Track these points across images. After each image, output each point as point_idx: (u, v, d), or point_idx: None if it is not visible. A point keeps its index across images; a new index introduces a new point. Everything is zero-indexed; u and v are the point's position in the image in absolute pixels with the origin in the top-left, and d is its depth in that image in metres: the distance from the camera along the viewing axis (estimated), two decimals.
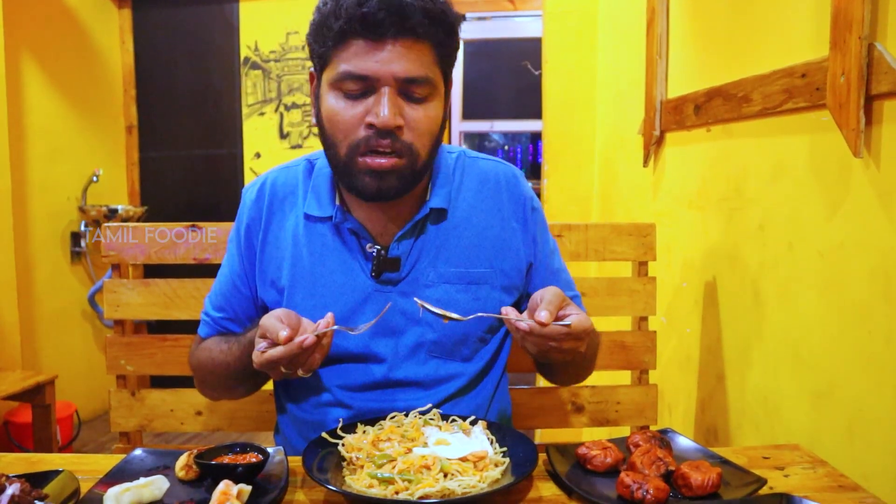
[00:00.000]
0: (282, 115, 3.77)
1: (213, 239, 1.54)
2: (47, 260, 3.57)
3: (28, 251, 3.44)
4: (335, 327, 0.94)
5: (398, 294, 1.12)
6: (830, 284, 1.20)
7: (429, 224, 1.14)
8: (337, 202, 1.14)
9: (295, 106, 3.73)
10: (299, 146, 3.74)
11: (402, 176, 1.03)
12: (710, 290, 1.66)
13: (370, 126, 0.99)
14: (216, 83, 3.89)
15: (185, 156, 3.99)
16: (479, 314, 1.03)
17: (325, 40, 1.01)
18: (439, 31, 1.01)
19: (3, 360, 3.04)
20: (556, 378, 1.31)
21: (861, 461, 1.11)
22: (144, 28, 3.98)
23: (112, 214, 3.63)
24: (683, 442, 1.01)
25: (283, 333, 0.91)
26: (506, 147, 5.48)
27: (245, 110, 3.83)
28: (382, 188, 1.02)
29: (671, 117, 1.87)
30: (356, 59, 0.99)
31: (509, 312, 0.96)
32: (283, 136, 3.77)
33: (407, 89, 1.00)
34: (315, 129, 3.70)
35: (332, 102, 1.02)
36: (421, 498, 0.81)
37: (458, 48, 1.08)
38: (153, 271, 1.66)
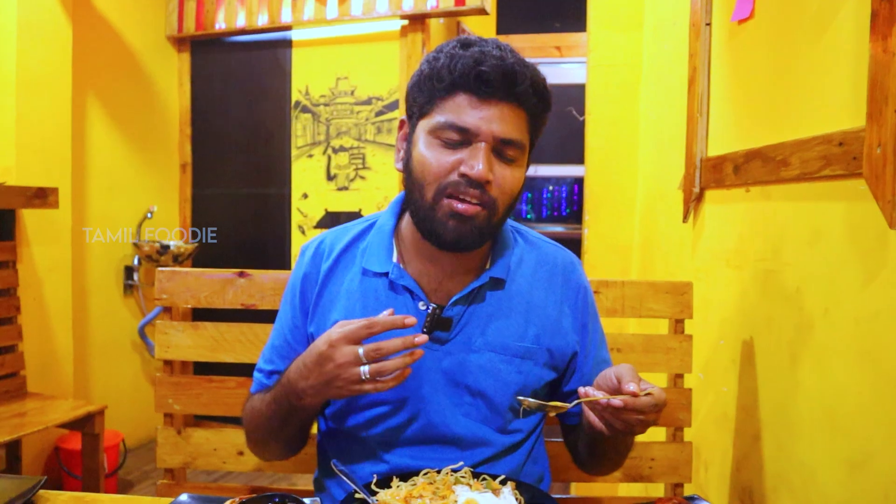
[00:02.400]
0: (329, 158, 3.87)
1: (261, 286, 1.61)
2: (102, 292, 3.71)
3: (84, 283, 3.58)
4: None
5: (444, 353, 1.15)
6: (866, 352, 1.20)
7: (486, 292, 1.17)
8: (395, 259, 1.18)
9: (342, 149, 3.83)
10: (345, 188, 3.83)
11: (480, 227, 1.08)
12: (746, 349, 1.66)
13: (463, 175, 1.05)
14: (267, 125, 4.02)
15: (236, 194, 4.12)
16: (578, 401, 1.01)
17: (431, 91, 1.08)
18: (538, 104, 1.09)
19: (57, 388, 3.15)
20: (604, 466, 1.33)
21: None
22: (201, 71, 4.16)
23: (164, 250, 3.75)
24: None
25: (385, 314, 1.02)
26: (551, 188, 5.51)
27: (294, 152, 3.94)
28: (462, 233, 1.07)
29: (711, 175, 1.88)
30: (461, 113, 1.05)
31: (595, 394, 0.98)
32: (330, 177, 3.87)
33: (500, 149, 1.07)
34: (361, 172, 3.79)
35: (426, 150, 1.08)
36: None
37: (545, 124, 1.15)
38: (201, 315, 1.73)
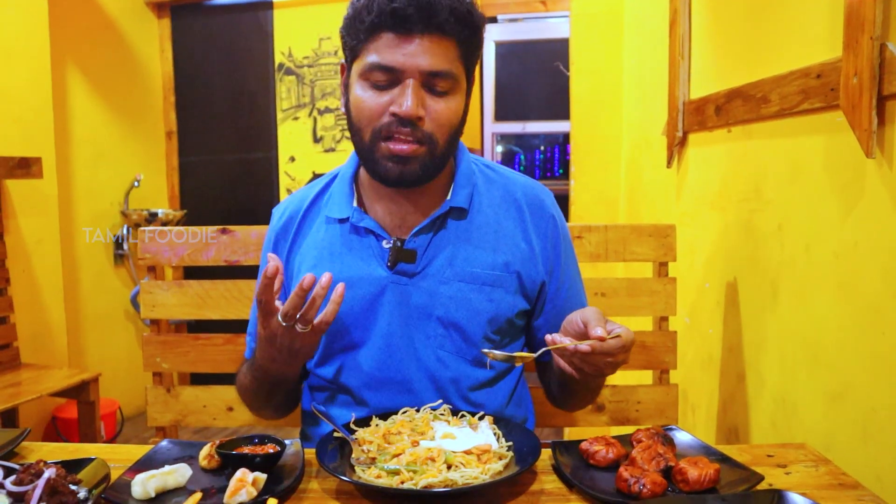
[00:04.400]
0: (315, 120, 3.85)
1: (244, 241, 1.61)
2: (92, 263, 3.70)
3: (74, 254, 3.57)
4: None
5: (413, 286, 1.15)
6: (845, 285, 1.20)
7: (449, 221, 1.17)
8: (354, 203, 1.19)
9: (328, 110, 3.80)
10: (332, 150, 3.81)
11: (422, 163, 1.08)
12: (731, 290, 1.67)
13: (393, 115, 1.05)
14: (252, 89, 3.98)
15: (223, 160, 4.09)
16: (544, 349, 1.00)
17: (357, 33, 1.08)
18: (464, 30, 1.07)
19: (51, 358, 3.16)
20: (575, 402, 1.33)
21: (875, 462, 1.11)
22: (183, 37, 4.10)
23: (153, 218, 3.74)
24: (686, 438, 1.03)
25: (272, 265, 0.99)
26: (542, 147, 5.48)
27: (280, 115, 3.91)
28: (404, 173, 1.08)
29: (693, 118, 1.87)
30: (384, 52, 1.05)
31: (563, 341, 0.97)
32: (316, 139, 3.85)
33: (430, 82, 1.06)
34: (347, 133, 3.77)
35: (360, 92, 1.09)
36: (424, 488, 0.85)
37: (480, 47, 1.14)
38: (193, 274, 1.73)
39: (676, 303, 1.61)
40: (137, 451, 1.04)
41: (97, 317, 3.72)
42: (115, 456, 1.02)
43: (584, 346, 0.94)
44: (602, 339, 0.94)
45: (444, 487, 0.85)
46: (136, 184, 3.83)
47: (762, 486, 0.88)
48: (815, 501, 0.79)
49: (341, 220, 1.20)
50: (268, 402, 1.24)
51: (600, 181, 2.77)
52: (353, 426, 1.03)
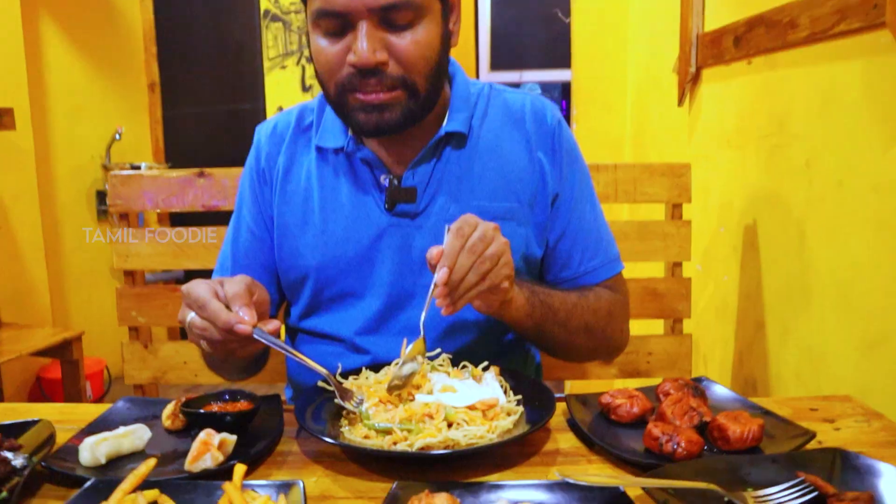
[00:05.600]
0: (303, 68, 3.69)
1: (223, 185, 1.48)
2: (74, 218, 3.57)
3: (54, 210, 3.44)
4: (253, 330, 0.81)
5: (414, 228, 1.04)
6: (885, 223, 1.09)
7: (448, 150, 1.05)
8: (350, 132, 1.06)
9: None
10: None
11: (404, 109, 0.95)
12: (749, 234, 1.55)
13: (352, 65, 0.92)
14: (237, 37, 3.82)
15: (208, 112, 3.95)
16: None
17: None
18: None
19: (34, 317, 3.06)
20: (557, 345, 1.11)
21: None
22: None
23: None
24: (720, 391, 0.91)
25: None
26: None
27: (267, 64, 3.75)
28: (382, 121, 0.95)
29: (708, 51, 1.74)
30: None
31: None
32: (305, 88, 3.70)
33: (387, 18, 0.91)
34: None
35: (315, 41, 0.96)
36: (421, 449, 0.73)
37: None
38: (180, 222, 1.61)
39: (691, 247, 1.50)
40: (96, 411, 0.92)
41: (81, 274, 3.60)
42: (70, 416, 0.90)
43: (437, 290, 0.82)
44: (437, 285, 0.81)
45: (445, 449, 0.74)
46: (117, 136, 3.68)
47: (811, 445, 0.77)
48: (883, 461, 0.68)
49: (336, 151, 1.07)
50: (242, 361, 1.10)
51: (604, 124, 2.62)
52: (339, 378, 0.91)
